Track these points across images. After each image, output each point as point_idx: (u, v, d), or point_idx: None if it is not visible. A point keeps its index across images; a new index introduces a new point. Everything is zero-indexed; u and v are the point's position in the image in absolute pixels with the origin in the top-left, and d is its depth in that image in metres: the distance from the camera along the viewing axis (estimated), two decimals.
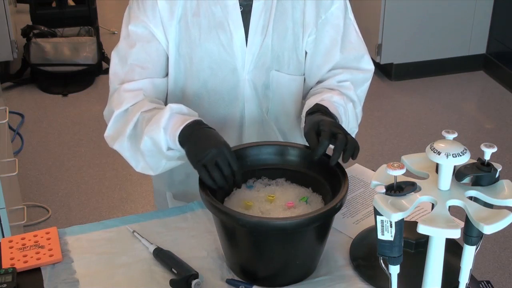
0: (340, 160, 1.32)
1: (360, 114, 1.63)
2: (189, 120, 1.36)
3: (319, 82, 1.61)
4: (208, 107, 1.56)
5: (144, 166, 1.46)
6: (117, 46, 1.53)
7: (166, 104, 1.57)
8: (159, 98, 1.53)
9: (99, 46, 4.29)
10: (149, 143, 1.40)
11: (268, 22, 1.50)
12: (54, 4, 4.48)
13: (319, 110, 1.44)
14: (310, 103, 1.49)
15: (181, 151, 1.37)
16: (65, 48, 4.17)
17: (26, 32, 4.24)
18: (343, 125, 1.48)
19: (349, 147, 1.31)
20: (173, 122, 1.37)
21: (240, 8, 1.48)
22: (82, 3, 4.51)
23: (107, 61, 4.33)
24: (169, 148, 1.39)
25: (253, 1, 1.48)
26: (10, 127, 3.38)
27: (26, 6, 4.60)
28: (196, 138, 1.33)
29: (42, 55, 4.14)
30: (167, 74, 1.55)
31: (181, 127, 1.35)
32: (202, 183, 1.29)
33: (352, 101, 1.57)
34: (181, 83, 1.55)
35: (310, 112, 1.45)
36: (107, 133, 1.49)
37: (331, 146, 1.33)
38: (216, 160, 1.27)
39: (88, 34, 4.44)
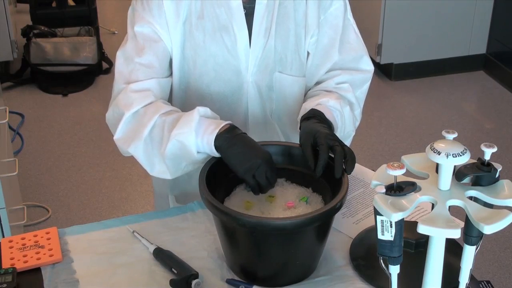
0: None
1: (359, 116, 1.63)
2: (223, 124, 1.36)
3: (317, 83, 1.61)
4: (212, 108, 1.56)
5: (160, 170, 1.44)
6: (124, 47, 1.52)
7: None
8: (165, 98, 1.52)
9: (99, 46, 4.29)
10: (176, 147, 1.38)
11: (271, 24, 1.50)
12: (54, 4, 4.48)
13: (315, 116, 1.44)
14: (306, 107, 1.50)
15: (212, 155, 1.37)
16: (65, 48, 4.17)
17: (26, 32, 4.24)
18: (339, 130, 1.49)
19: (349, 158, 1.32)
20: (204, 126, 1.37)
21: (243, 10, 1.48)
22: (82, 3, 4.51)
23: (107, 61, 4.33)
24: (198, 152, 1.38)
25: (255, 3, 1.48)
26: (10, 127, 3.38)
27: (26, 6, 4.60)
28: (241, 146, 1.33)
29: (42, 55, 4.13)
30: (170, 74, 1.55)
31: (216, 131, 1.34)
32: (202, 183, 1.29)
33: (350, 104, 1.57)
34: (185, 84, 1.55)
35: (306, 117, 1.45)
36: (118, 136, 1.46)
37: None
38: (266, 172, 1.32)
39: (88, 34, 4.43)
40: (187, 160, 1.41)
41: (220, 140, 1.34)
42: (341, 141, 1.35)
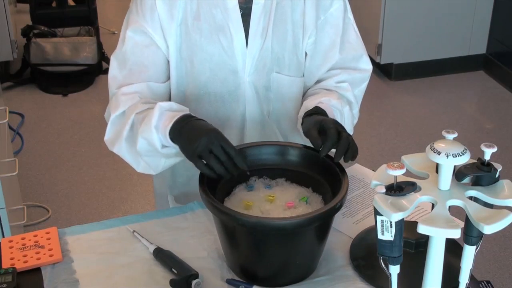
0: (341, 161, 1.33)
1: (357, 115, 1.64)
2: (178, 116, 1.37)
3: (317, 81, 1.62)
4: (210, 109, 1.57)
5: (144, 167, 1.47)
6: (116, 51, 1.54)
7: None
8: (158, 101, 1.53)
9: (99, 46, 4.29)
10: (144, 144, 1.41)
11: (268, 24, 1.50)
12: (54, 4, 4.48)
13: (318, 112, 1.45)
14: (308, 105, 1.50)
15: (176, 148, 1.38)
16: (65, 48, 4.17)
17: (26, 32, 4.23)
18: None
19: (351, 147, 1.31)
20: (163, 120, 1.38)
21: (240, 11, 1.48)
22: (82, 3, 4.50)
23: (107, 61, 4.32)
24: (163, 146, 1.40)
25: (253, 4, 1.48)
26: (10, 127, 3.38)
27: (26, 6, 4.60)
28: (186, 132, 1.34)
29: (42, 55, 4.13)
30: (167, 79, 1.55)
31: (171, 124, 1.36)
32: (202, 183, 1.29)
33: (349, 103, 1.58)
34: (183, 86, 1.56)
35: (309, 113, 1.45)
36: (106, 137, 1.51)
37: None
38: (210, 148, 1.28)
39: (88, 34, 4.43)
40: (161, 156, 1.43)
41: (172, 132, 1.35)
42: (347, 131, 1.35)
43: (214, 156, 1.28)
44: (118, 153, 1.49)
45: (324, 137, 1.34)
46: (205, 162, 1.29)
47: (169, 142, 1.37)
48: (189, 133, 1.33)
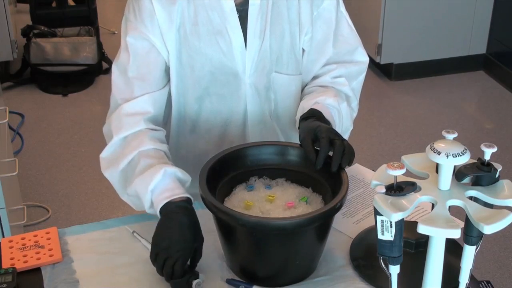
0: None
1: (356, 108, 1.65)
2: (175, 197, 1.33)
3: (314, 78, 1.62)
4: (210, 110, 1.57)
5: (128, 200, 1.46)
6: (117, 58, 1.52)
7: (166, 112, 1.57)
8: (159, 113, 1.53)
9: (99, 46, 4.28)
10: (134, 194, 1.39)
11: (265, 25, 1.50)
12: (54, 4, 4.48)
13: (314, 115, 1.45)
14: (304, 106, 1.50)
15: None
16: (65, 48, 4.17)
17: (26, 32, 4.23)
18: (337, 128, 1.49)
19: (347, 152, 1.32)
20: (161, 188, 1.35)
21: (237, 13, 1.48)
22: (82, 3, 4.50)
23: (107, 61, 4.32)
24: (151, 208, 1.37)
25: (249, 5, 1.48)
26: (10, 127, 3.38)
27: (26, 6, 4.60)
28: (167, 224, 1.30)
29: (42, 55, 4.13)
30: (166, 84, 1.55)
31: (165, 201, 1.32)
32: (202, 183, 1.29)
33: (347, 97, 1.59)
34: (184, 89, 1.55)
35: (305, 117, 1.45)
36: (103, 155, 1.48)
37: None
38: (166, 257, 1.25)
39: (88, 34, 4.43)
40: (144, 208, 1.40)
41: (162, 210, 1.32)
42: (342, 136, 1.36)
43: (162, 265, 1.26)
44: (108, 178, 1.47)
45: (318, 146, 1.34)
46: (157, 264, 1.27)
47: (157, 212, 1.34)
48: (167, 229, 1.29)
